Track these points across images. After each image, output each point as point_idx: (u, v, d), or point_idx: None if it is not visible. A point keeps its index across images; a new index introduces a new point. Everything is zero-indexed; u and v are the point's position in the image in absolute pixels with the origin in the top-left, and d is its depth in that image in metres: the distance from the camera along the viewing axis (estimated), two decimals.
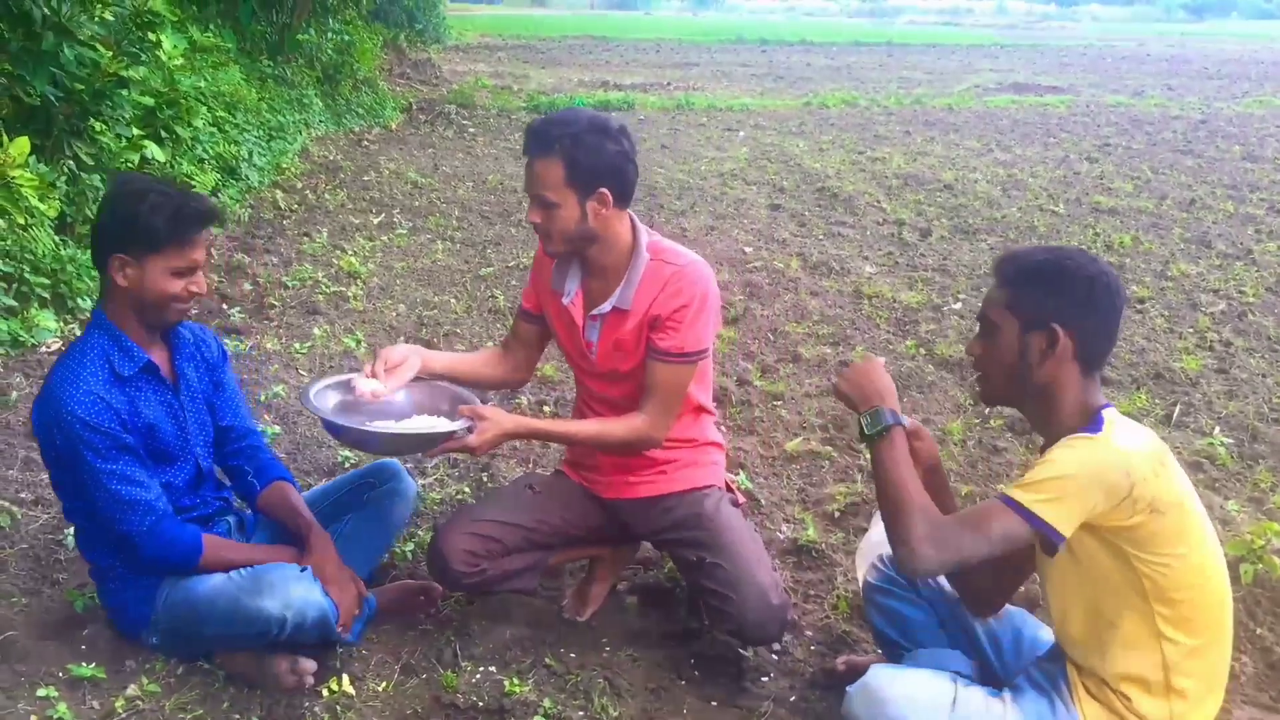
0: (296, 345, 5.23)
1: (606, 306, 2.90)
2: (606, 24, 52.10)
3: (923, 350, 5.56)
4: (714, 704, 2.81)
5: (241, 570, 2.73)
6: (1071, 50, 36.64)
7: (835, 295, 6.54)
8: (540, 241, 2.88)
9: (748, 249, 7.61)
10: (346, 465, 3.98)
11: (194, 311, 2.83)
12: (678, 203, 9.07)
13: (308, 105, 11.47)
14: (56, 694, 2.62)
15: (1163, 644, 2.19)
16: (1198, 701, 2.25)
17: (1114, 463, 2.09)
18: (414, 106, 14.66)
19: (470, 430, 2.73)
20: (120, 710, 2.60)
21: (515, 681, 2.78)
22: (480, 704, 2.73)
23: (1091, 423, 2.20)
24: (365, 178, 9.55)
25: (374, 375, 2.85)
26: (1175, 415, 4.76)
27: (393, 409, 2.91)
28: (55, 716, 2.54)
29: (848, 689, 2.34)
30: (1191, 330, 5.97)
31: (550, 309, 3.05)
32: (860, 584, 2.88)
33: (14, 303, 4.93)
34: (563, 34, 40.83)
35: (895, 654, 2.74)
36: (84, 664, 2.74)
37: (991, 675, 2.56)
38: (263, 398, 4.56)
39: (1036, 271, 2.25)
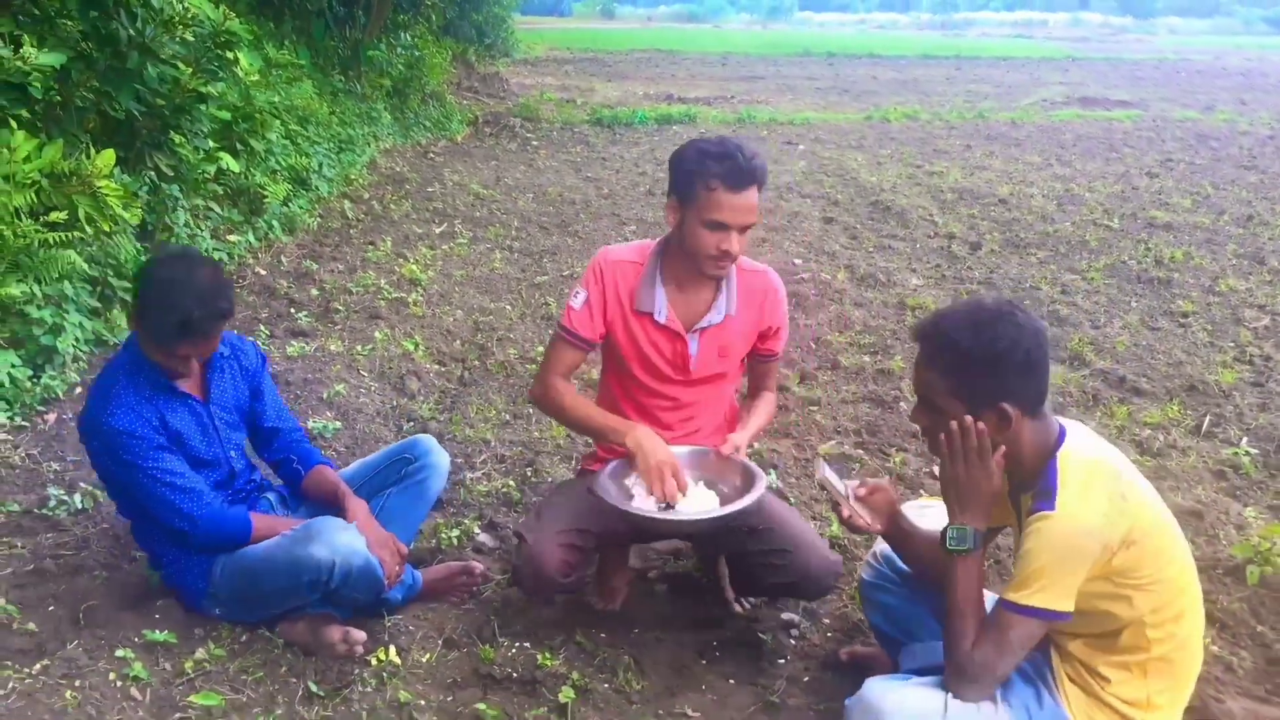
0: (359, 348, 5.51)
1: (718, 317, 3.09)
2: (674, 37, 52.32)
3: None
4: (732, 682, 3.02)
5: (290, 531, 2.98)
6: (1145, 64, 36.26)
7: (879, 306, 6.69)
8: (718, 263, 2.97)
9: (797, 260, 7.79)
10: None
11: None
12: None
13: (377, 118, 11.84)
14: (133, 655, 2.89)
15: (1141, 633, 2.34)
16: (1172, 688, 2.40)
17: (1078, 534, 2.23)
18: (480, 119, 15.02)
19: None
20: (190, 671, 2.87)
21: (547, 655, 3.01)
22: (514, 675, 2.95)
23: (1045, 479, 2.31)
24: (430, 189, 9.88)
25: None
26: (1205, 426, 4.87)
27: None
28: (132, 674, 2.81)
29: (846, 702, 2.50)
30: (1233, 344, 6.04)
31: (630, 330, 3.12)
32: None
33: (98, 304, 5.25)
34: (630, 47, 41.20)
35: (892, 646, 2.91)
36: (157, 631, 3.01)
37: None
38: (325, 395, 4.84)
39: (972, 359, 2.32)
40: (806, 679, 3.03)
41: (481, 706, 2.81)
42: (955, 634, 2.38)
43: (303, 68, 10.15)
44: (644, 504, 2.91)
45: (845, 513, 2.71)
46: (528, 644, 3.10)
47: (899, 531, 2.75)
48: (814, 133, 15.48)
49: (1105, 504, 2.25)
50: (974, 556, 2.42)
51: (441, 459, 3.41)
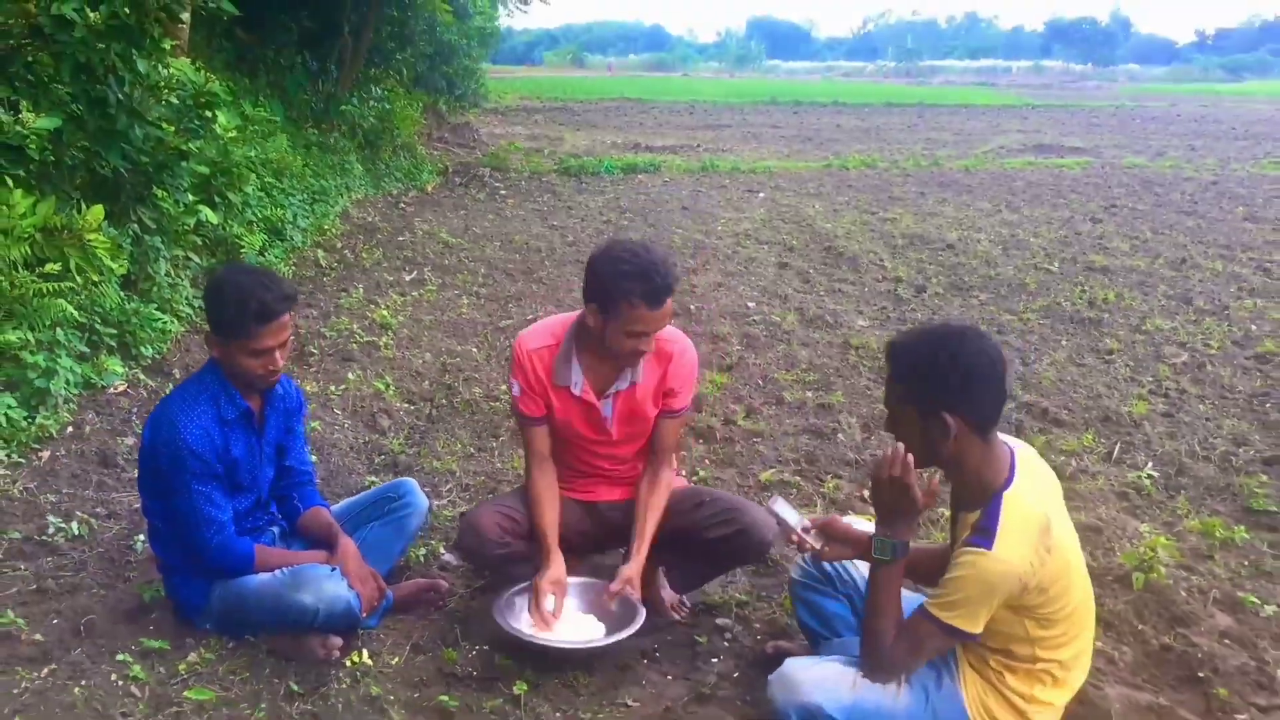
0: (332, 387, 5.87)
1: (624, 385, 3.50)
2: (643, 86, 53.06)
3: None
4: (669, 677, 3.38)
5: (283, 570, 3.36)
6: (1102, 111, 37.20)
7: (825, 346, 7.11)
8: (635, 359, 3.44)
9: (751, 304, 8.21)
10: (370, 487, 4.58)
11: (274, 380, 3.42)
12: (690, 261, 9.69)
13: (349, 170, 12.25)
14: (131, 660, 3.24)
15: (1032, 651, 2.71)
16: (1057, 692, 2.77)
17: (1005, 575, 2.54)
18: (450, 169, 15.48)
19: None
20: (183, 672, 3.21)
21: (505, 658, 3.36)
22: (474, 673, 3.32)
23: (988, 517, 2.58)
24: (400, 238, 10.28)
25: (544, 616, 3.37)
26: (1115, 453, 5.28)
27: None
28: (131, 675, 3.16)
29: (769, 677, 2.88)
30: (1151, 379, 6.48)
31: (557, 402, 3.53)
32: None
33: (86, 349, 5.58)
34: (600, 96, 41.85)
35: (817, 642, 3.29)
36: (152, 639, 3.35)
37: None
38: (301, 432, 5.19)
39: (919, 365, 2.62)
40: (736, 674, 3.40)
41: (444, 699, 3.16)
42: (875, 633, 2.76)
43: (277, 123, 10.55)
44: (525, 627, 3.34)
45: (795, 538, 3.07)
46: (487, 647, 3.45)
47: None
48: (775, 180, 16.00)
49: (1032, 555, 2.55)
50: (896, 565, 2.77)
51: (422, 500, 3.82)
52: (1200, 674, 3.36)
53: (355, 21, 13.78)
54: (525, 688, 3.20)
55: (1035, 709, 2.74)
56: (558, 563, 3.46)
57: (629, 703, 3.23)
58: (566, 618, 3.44)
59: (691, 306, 7.98)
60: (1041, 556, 2.56)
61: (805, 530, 3.06)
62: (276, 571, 3.35)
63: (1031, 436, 5.45)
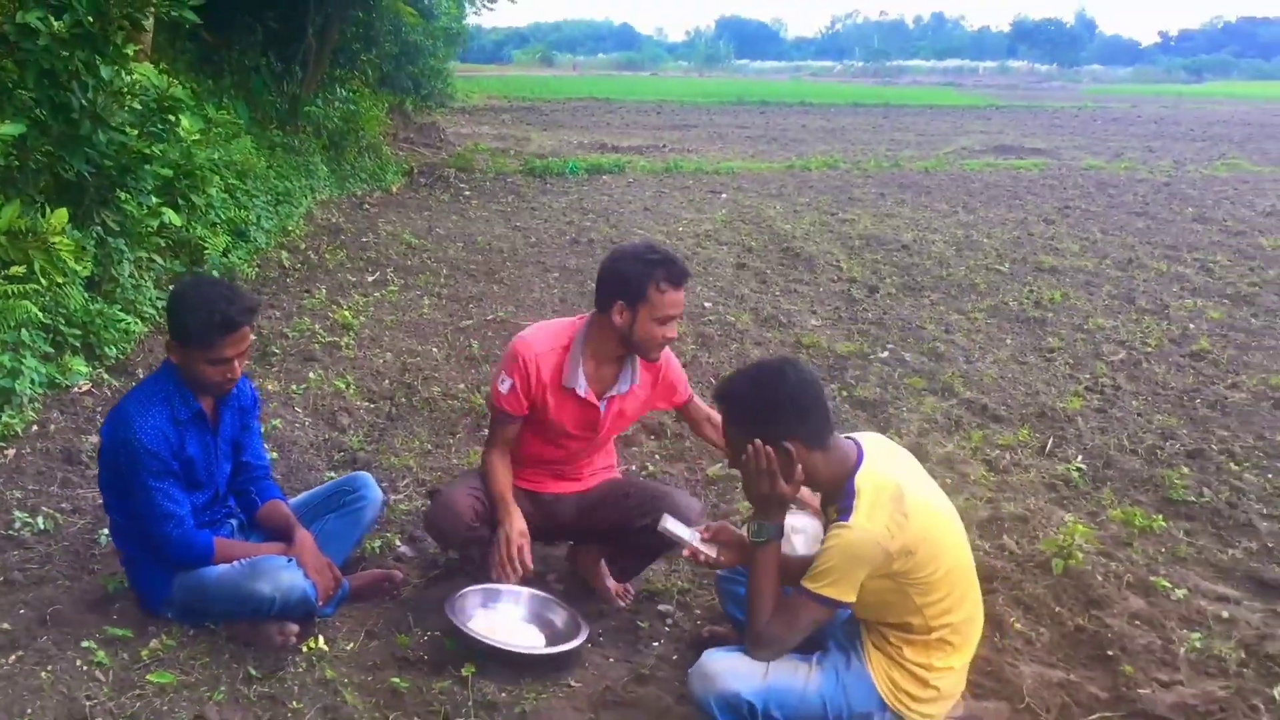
0: (294, 387, 6.02)
1: (624, 387, 3.78)
2: (612, 85, 53.13)
3: (844, 392, 6.30)
4: (611, 660, 3.56)
5: (241, 560, 3.52)
6: (1064, 112, 37.68)
7: (777, 345, 7.31)
8: (662, 349, 3.74)
9: (707, 304, 8.40)
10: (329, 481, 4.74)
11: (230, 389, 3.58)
12: None
13: (313, 171, 12.36)
14: (96, 646, 3.38)
15: (922, 621, 2.93)
16: (953, 656, 2.99)
17: (865, 543, 2.80)
18: (415, 170, 15.59)
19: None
20: (145, 658, 3.36)
21: (453, 642, 3.53)
22: (425, 658, 3.48)
23: (845, 497, 2.86)
24: (364, 239, 10.42)
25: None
26: (1048, 446, 5.51)
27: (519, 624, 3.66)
28: (96, 661, 3.30)
29: (689, 671, 3.08)
30: (1089, 376, 6.71)
31: (551, 403, 3.73)
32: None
33: (51, 350, 5.70)
34: (568, 96, 41.95)
35: (743, 629, 3.49)
36: (116, 628, 3.50)
37: (819, 642, 3.28)
38: (263, 429, 5.30)
39: (750, 409, 2.95)
40: (675, 657, 3.58)
41: (396, 680, 3.33)
42: (756, 610, 2.99)
43: (241, 124, 10.65)
44: (479, 629, 3.49)
45: (688, 552, 3.34)
46: (438, 633, 3.62)
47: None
48: (737, 181, 16.22)
49: (888, 520, 2.81)
50: (771, 547, 3.02)
51: (376, 494, 3.98)
52: (1110, 652, 3.57)
53: (320, 23, 13.87)
54: (473, 669, 3.37)
55: (936, 675, 2.97)
56: (518, 516, 3.68)
57: (571, 683, 3.41)
58: (511, 625, 3.63)
59: None
60: (898, 521, 2.81)
61: (700, 542, 3.31)
62: (235, 562, 3.51)
63: (970, 432, 5.67)
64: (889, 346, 7.28)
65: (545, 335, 3.79)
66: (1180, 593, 3.99)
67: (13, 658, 3.31)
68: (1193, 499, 4.85)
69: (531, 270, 9.46)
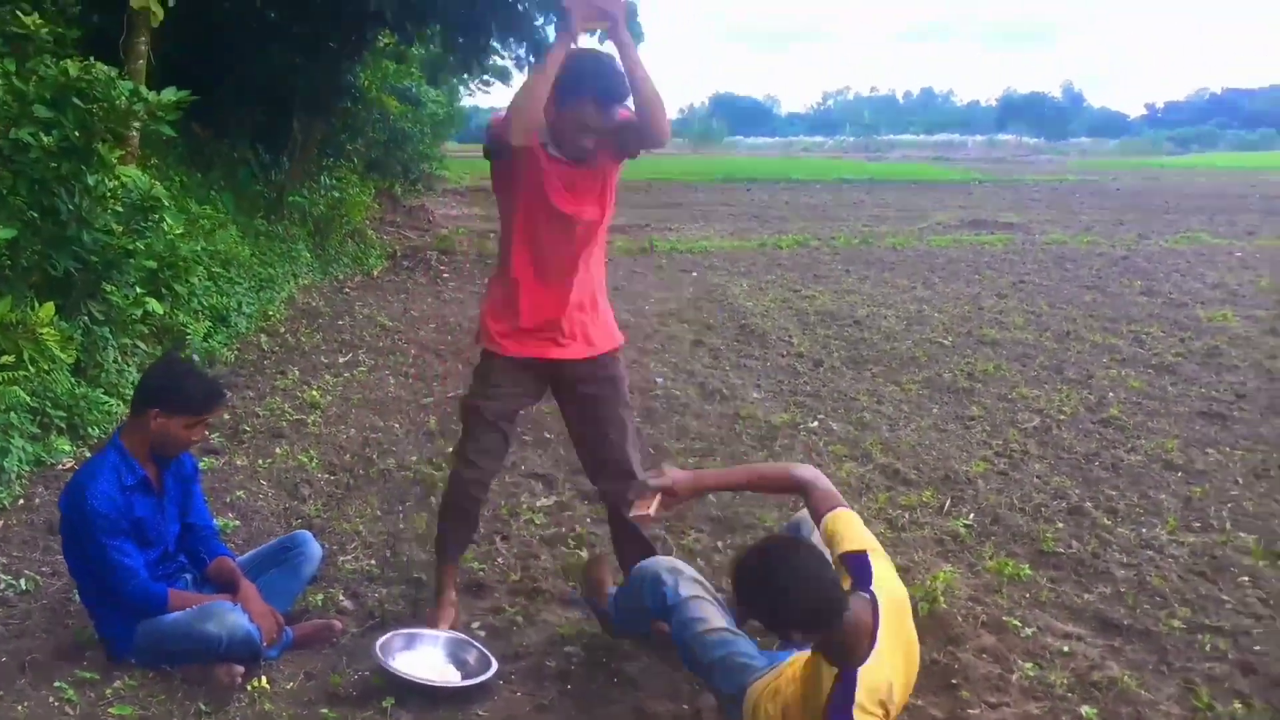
0: (260, 461, 6.56)
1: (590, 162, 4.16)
2: None
3: (770, 460, 6.83)
4: (519, 694, 4.07)
5: (194, 607, 4.06)
6: (1044, 186, 38.48)
7: (717, 417, 7.85)
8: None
9: (659, 379, 8.95)
10: None
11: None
12: None
13: (297, 257, 12.98)
14: (67, 686, 3.92)
15: None
16: None
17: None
18: (399, 253, 16.26)
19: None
20: (109, 695, 3.89)
21: (378, 679, 4.04)
22: (354, 693, 4.00)
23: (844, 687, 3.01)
24: (340, 321, 11.02)
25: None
26: (946, 506, 6.03)
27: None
28: (66, 698, 3.84)
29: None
30: (1000, 442, 7.25)
31: (531, 164, 4.08)
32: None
33: (38, 430, 6.26)
34: None
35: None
36: (85, 671, 4.04)
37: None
38: (228, 499, 5.90)
39: (768, 608, 3.08)
40: (569, 687, 4.09)
41: (325, 711, 3.85)
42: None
43: (226, 215, 11.29)
44: (400, 666, 4.01)
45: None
46: (367, 672, 4.13)
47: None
48: (710, 260, 16.83)
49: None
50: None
51: (316, 549, 4.57)
52: (954, 681, 4.08)
53: (305, 116, 14.64)
54: (391, 701, 3.88)
55: None
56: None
57: (479, 712, 3.92)
58: (431, 663, 4.16)
59: None
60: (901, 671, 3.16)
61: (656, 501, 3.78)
62: (188, 609, 4.05)
63: (877, 494, 6.19)
64: (819, 417, 7.82)
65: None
66: (1029, 631, 4.50)
67: None
68: (1061, 550, 5.37)
69: None
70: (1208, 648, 4.40)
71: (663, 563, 3.92)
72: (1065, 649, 4.36)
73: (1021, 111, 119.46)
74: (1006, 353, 10.08)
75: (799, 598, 2.96)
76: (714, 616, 3.67)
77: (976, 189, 36.79)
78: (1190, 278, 15.01)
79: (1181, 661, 4.30)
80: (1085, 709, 3.88)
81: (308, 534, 4.59)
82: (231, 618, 4.02)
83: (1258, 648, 4.40)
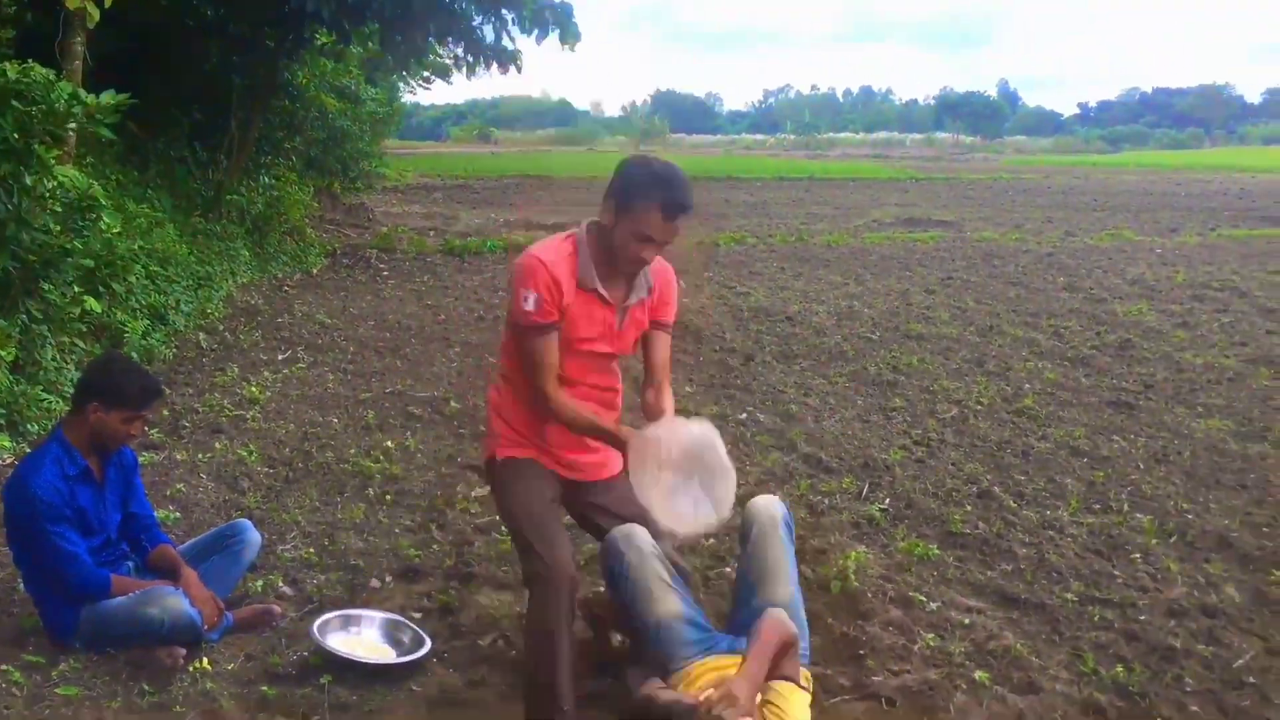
0: (200, 455, 6.71)
1: (643, 294, 3.82)
2: (548, 162, 53.66)
3: None
4: (451, 671, 4.28)
5: (136, 592, 4.23)
6: (979, 184, 39.03)
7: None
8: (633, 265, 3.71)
9: None
10: None
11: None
12: None
13: (235, 256, 13.03)
14: (13, 669, 4.09)
15: None
16: None
17: None
18: (339, 251, 16.33)
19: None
20: (55, 677, 4.06)
21: (317, 658, 4.24)
22: (293, 672, 4.20)
23: None
24: (279, 319, 11.13)
25: None
26: (864, 492, 6.32)
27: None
28: (13, 680, 4.01)
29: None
30: (919, 431, 7.56)
31: (576, 307, 3.69)
32: None
33: None
34: (501, 173, 42.67)
35: None
36: (31, 655, 4.20)
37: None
38: (169, 492, 6.05)
39: None
40: (503, 667, 4.31)
41: (266, 689, 4.05)
42: None
43: (163, 214, 11.34)
44: (337, 645, 4.24)
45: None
46: (305, 654, 4.33)
47: None
48: None
49: None
50: None
51: (255, 536, 4.77)
52: (861, 652, 4.37)
53: (243, 115, 14.67)
54: (329, 679, 4.09)
55: None
56: (632, 434, 3.69)
57: (414, 688, 4.14)
58: (368, 643, 4.38)
59: None
60: None
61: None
62: (130, 594, 4.21)
63: (799, 481, 6.47)
64: (748, 409, 8.10)
65: (549, 246, 3.75)
66: (934, 605, 4.80)
67: None
68: (969, 531, 5.68)
69: (435, 346, 10.20)
70: (1097, 618, 4.73)
71: (629, 534, 3.76)
72: (966, 621, 4.66)
73: (958, 110, 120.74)
74: (931, 347, 10.42)
75: None
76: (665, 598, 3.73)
77: (913, 187, 37.35)
78: (1111, 274, 15.48)
79: (1072, 631, 4.62)
80: (979, 674, 4.19)
81: (247, 522, 4.78)
82: (173, 602, 4.20)
83: (1143, 618, 4.74)
